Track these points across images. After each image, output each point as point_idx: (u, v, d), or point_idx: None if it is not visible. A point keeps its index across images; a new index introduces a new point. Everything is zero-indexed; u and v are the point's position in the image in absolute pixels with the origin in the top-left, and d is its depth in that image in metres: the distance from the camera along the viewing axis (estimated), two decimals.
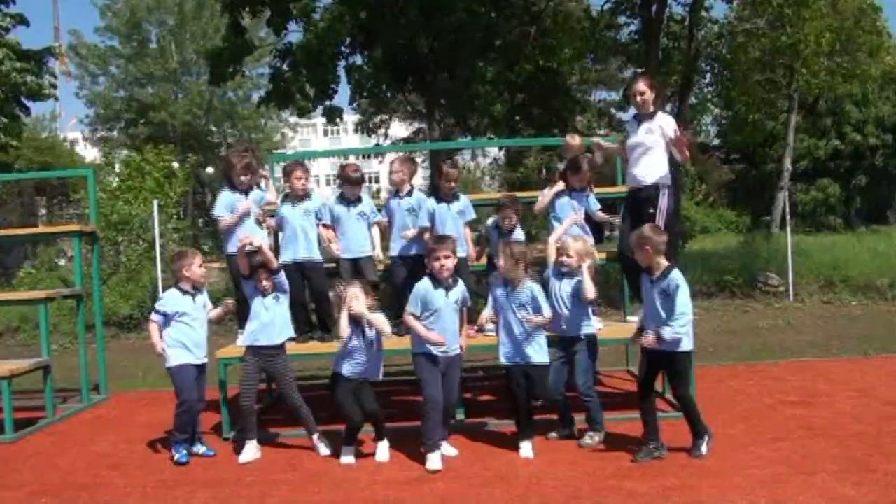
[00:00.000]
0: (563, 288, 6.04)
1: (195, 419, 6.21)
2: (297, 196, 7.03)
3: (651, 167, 6.67)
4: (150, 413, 7.86)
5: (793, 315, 13.09)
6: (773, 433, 6.06)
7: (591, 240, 6.55)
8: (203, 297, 6.31)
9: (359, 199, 7.20)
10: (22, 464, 6.33)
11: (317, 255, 7.08)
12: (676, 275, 5.46)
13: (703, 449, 5.53)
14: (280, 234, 7.29)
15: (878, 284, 14.58)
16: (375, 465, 5.73)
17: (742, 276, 15.12)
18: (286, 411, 6.63)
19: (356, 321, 5.71)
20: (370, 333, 5.77)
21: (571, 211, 6.86)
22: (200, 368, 6.22)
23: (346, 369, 5.80)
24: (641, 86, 6.76)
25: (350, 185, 7.17)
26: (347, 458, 5.86)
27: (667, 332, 5.36)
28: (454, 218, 6.93)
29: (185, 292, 6.17)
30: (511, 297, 5.82)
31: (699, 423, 5.60)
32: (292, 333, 6.40)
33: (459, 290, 5.88)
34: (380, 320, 5.73)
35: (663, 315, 5.45)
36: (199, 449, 6.22)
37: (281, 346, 6.22)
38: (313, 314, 7.35)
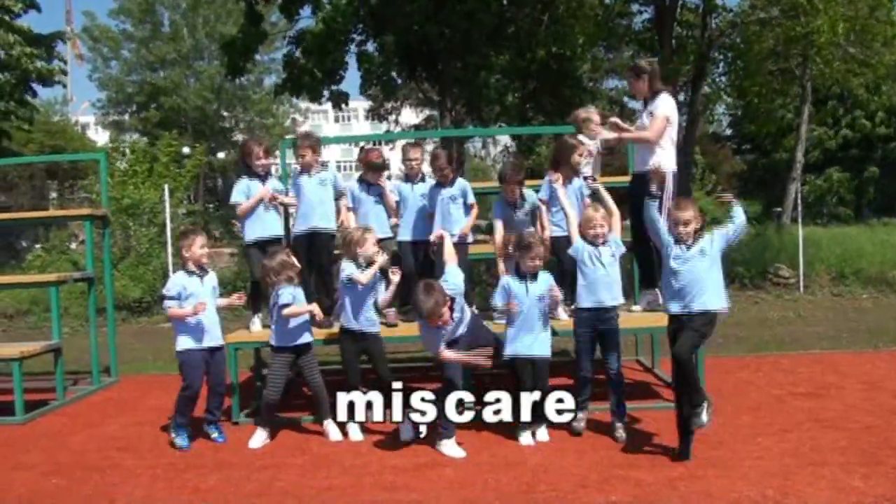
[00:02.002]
0: (604, 254, 5.87)
1: (196, 404, 6.18)
2: (310, 168, 7.04)
3: (655, 149, 6.66)
4: (160, 396, 7.88)
5: (803, 307, 13.06)
6: (781, 424, 6.04)
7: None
8: (211, 279, 6.25)
9: (379, 185, 7.19)
10: (32, 445, 6.38)
11: (331, 225, 7.10)
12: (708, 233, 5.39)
13: (704, 417, 5.15)
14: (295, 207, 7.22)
15: (890, 277, 14.53)
16: (385, 450, 5.76)
17: (753, 267, 15.08)
18: (294, 396, 6.67)
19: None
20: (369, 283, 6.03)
21: (575, 198, 6.76)
22: (213, 351, 6.17)
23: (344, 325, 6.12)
24: (631, 82, 6.92)
25: (373, 171, 7.13)
26: (355, 434, 5.92)
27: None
28: (445, 202, 6.92)
29: (190, 273, 6.11)
30: (530, 289, 5.79)
31: (697, 390, 5.21)
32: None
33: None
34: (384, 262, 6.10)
35: (701, 278, 5.22)
36: (213, 433, 6.22)
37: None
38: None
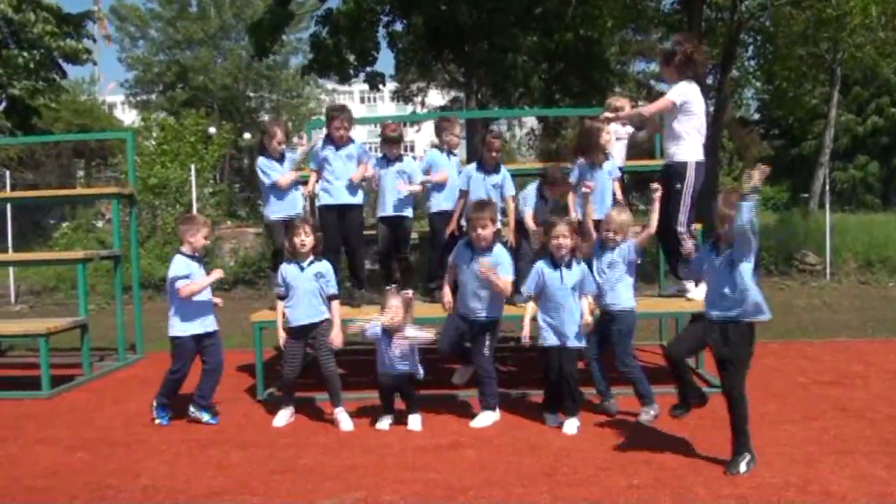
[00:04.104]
0: (608, 257, 5.89)
1: (179, 387, 6.24)
2: (338, 142, 7.04)
3: (676, 140, 6.58)
4: None
5: (829, 294, 12.94)
6: (805, 412, 6.01)
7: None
8: (202, 268, 6.22)
9: (398, 158, 7.16)
10: (58, 419, 6.47)
11: (356, 199, 7.14)
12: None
13: (742, 467, 4.74)
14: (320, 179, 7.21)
15: None
16: (406, 431, 5.80)
17: (779, 253, 14.95)
18: (319, 375, 6.69)
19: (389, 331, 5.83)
20: (402, 346, 5.82)
21: (607, 180, 6.72)
22: (210, 335, 6.19)
23: (380, 369, 5.95)
24: (662, 66, 6.85)
25: (389, 144, 7.13)
26: (382, 424, 5.92)
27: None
28: (488, 190, 6.81)
29: (190, 257, 6.12)
30: (565, 278, 5.71)
31: (744, 435, 4.83)
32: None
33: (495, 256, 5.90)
34: (418, 335, 5.82)
35: (725, 288, 4.81)
36: (204, 416, 6.19)
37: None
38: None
